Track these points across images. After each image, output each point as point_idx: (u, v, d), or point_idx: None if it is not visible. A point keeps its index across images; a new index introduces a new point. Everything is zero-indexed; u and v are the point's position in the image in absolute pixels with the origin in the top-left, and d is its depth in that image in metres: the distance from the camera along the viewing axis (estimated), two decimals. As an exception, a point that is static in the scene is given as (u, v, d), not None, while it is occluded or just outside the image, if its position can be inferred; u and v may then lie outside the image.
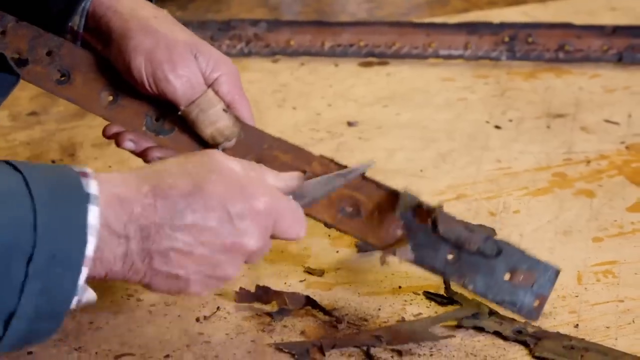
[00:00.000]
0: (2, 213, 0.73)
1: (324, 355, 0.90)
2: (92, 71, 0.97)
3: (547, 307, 0.96)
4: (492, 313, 0.95)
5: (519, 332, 0.94)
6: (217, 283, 0.82)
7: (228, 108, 0.95)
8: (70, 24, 0.96)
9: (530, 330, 0.94)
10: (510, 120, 1.34)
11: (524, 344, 0.93)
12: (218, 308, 0.97)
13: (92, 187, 0.77)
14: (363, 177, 0.95)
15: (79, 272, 0.75)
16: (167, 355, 0.91)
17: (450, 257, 0.93)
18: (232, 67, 0.95)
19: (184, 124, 0.95)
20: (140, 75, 0.93)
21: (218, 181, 0.80)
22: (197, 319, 0.96)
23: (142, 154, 0.98)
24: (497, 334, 0.93)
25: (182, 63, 0.92)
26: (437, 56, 1.51)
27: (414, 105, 1.40)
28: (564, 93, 1.42)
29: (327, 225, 0.95)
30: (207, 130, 0.94)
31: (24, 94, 1.41)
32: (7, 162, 0.77)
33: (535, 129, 1.32)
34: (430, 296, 0.99)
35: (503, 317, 0.95)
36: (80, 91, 0.97)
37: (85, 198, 0.76)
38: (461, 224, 0.93)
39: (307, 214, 0.89)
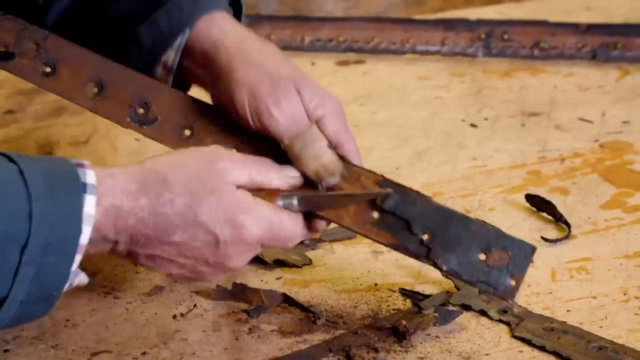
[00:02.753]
0: None
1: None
2: (77, 63, 0.97)
3: (521, 304, 0.97)
4: (481, 292, 0.97)
5: (504, 311, 0.95)
6: (199, 280, 0.89)
7: (335, 149, 0.92)
8: (163, 59, 0.95)
9: (515, 310, 0.96)
10: (486, 119, 1.35)
11: (507, 324, 0.94)
12: (195, 305, 0.98)
13: (89, 176, 0.80)
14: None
15: (72, 259, 0.79)
16: (144, 353, 0.92)
17: (425, 237, 0.92)
18: (337, 103, 0.93)
19: (166, 111, 0.95)
20: (244, 110, 0.91)
21: (214, 203, 0.84)
22: (174, 316, 0.96)
23: None
24: (483, 312, 0.95)
25: (285, 98, 0.90)
26: (415, 52, 1.53)
27: (390, 103, 1.40)
28: (539, 92, 1.43)
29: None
30: (311, 166, 0.91)
31: (1, 92, 1.41)
32: (2, 154, 0.79)
33: (510, 127, 1.33)
34: (406, 293, 0.99)
35: (491, 297, 0.96)
36: (65, 83, 0.97)
37: (81, 188, 0.79)
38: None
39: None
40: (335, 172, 0.91)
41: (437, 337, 0.93)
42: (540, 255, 1.05)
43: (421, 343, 0.92)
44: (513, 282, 0.90)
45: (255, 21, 1.56)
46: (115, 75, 0.96)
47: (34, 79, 0.97)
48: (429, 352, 0.91)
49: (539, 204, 1.13)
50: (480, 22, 1.55)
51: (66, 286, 0.80)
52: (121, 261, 1.04)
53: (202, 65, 0.94)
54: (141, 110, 0.96)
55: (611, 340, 0.92)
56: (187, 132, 0.95)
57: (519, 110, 1.38)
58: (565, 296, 0.99)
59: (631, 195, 1.16)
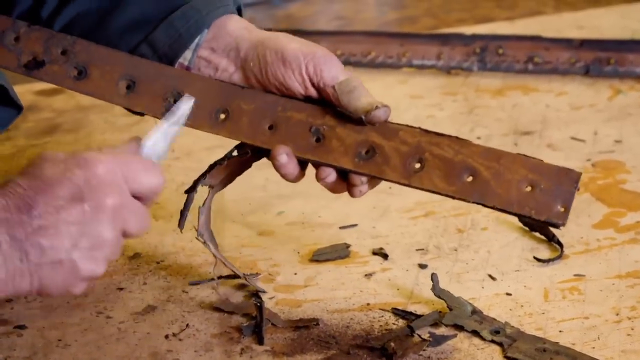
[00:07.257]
0: None
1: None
2: (107, 64, 0.99)
3: (514, 324, 0.97)
4: (474, 312, 0.97)
5: (497, 332, 0.95)
6: (104, 252, 0.81)
7: None
8: (180, 60, 0.99)
9: (507, 331, 0.95)
10: (479, 138, 1.35)
11: (500, 344, 0.94)
12: (187, 325, 0.97)
13: None
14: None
15: None
16: (136, 373, 0.92)
17: (469, 179, 0.93)
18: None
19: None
20: (300, 69, 0.95)
21: (58, 160, 0.81)
22: (166, 336, 0.96)
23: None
24: (475, 333, 0.95)
25: (330, 56, 0.96)
26: (411, 65, 1.55)
27: (383, 122, 1.41)
28: (531, 110, 1.43)
29: (343, 170, 0.95)
30: (364, 99, 0.95)
31: (-6, 109, 1.41)
32: None
33: (503, 146, 1.32)
34: (398, 313, 0.99)
35: (484, 317, 0.97)
36: (98, 84, 0.99)
37: None
38: None
39: (327, 165, 0.94)
40: (381, 104, 0.95)
41: (429, 357, 0.93)
42: (533, 276, 1.05)
43: (414, 363, 0.92)
44: (562, 209, 0.92)
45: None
46: (144, 71, 0.98)
47: (66, 84, 1.00)
48: (421, 373, 0.91)
49: (531, 224, 1.13)
50: (475, 37, 1.56)
51: None
52: (112, 280, 1.05)
53: (225, 56, 0.98)
54: (175, 102, 0.97)
55: (603, 361, 0.92)
56: (222, 116, 0.97)
57: (512, 129, 1.38)
58: (557, 316, 0.99)
59: (623, 215, 1.17)
